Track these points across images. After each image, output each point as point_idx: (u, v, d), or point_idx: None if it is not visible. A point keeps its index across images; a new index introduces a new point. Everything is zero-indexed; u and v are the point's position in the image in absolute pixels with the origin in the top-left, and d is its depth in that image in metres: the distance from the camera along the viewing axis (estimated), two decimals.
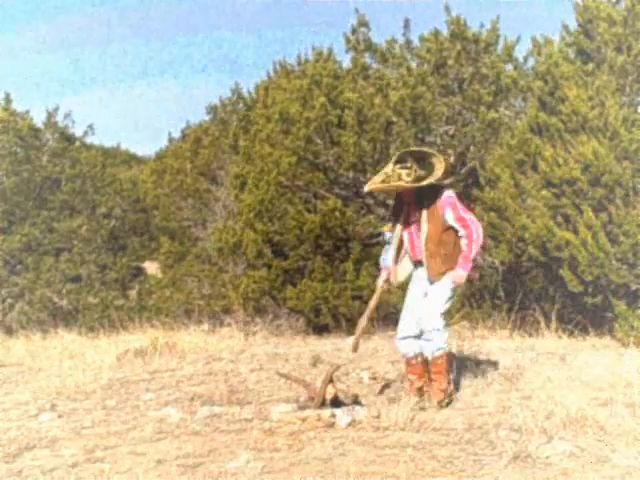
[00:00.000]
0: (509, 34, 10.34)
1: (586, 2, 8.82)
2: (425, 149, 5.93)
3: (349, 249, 9.63)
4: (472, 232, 5.24)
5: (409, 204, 5.42)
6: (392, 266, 5.51)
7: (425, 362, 5.35)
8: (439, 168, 5.37)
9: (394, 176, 5.31)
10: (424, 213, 5.33)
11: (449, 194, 5.38)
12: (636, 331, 7.07)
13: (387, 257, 5.55)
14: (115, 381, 6.47)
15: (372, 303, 5.59)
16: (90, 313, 10.81)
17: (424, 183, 5.30)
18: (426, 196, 5.34)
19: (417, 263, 5.43)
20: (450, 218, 5.29)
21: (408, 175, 5.29)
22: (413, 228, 5.40)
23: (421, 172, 5.33)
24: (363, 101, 9.71)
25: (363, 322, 5.54)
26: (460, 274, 5.26)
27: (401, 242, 5.50)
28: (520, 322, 8.30)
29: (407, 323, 5.44)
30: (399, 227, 5.47)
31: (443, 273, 5.29)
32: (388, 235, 5.57)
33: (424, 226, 5.32)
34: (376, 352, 7.43)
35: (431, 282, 5.34)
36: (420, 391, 5.35)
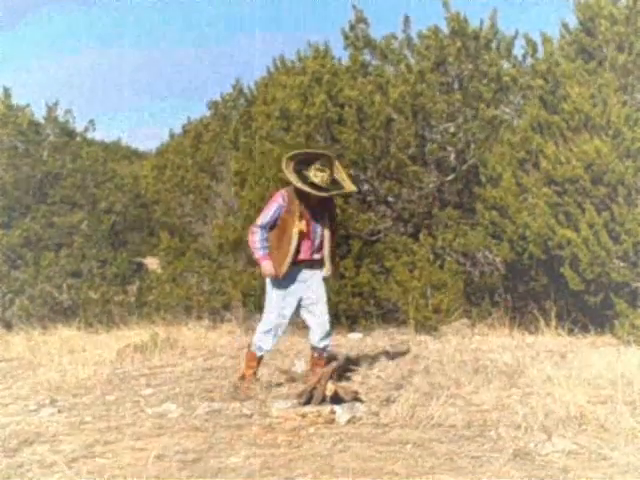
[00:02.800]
0: (508, 31, 10.30)
1: (587, 0, 8.81)
2: (317, 151, 6.14)
3: (349, 246, 9.62)
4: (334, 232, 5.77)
5: (311, 205, 5.55)
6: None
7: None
8: (340, 167, 5.73)
9: (328, 180, 5.51)
10: (325, 213, 5.65)
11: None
12: (637, 329, 7.08)
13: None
14: (115, 376, 6.47)
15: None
16: (90, 308, 10.81)
17: (355, 189, 5.96)
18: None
19: (307, 262, 5.61)
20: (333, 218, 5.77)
21: (330, 179, 5.54)
22: (312, 227, 5.58)
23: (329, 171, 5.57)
24: (363, 98, 9.70)
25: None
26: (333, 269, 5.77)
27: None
28: (520, 320, 8.31)
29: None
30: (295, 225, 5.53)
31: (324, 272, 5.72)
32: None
33: (326, 225, 5.63)
34: (376, 348, 7.43)
35: (310, 279, 5.62)
36: None
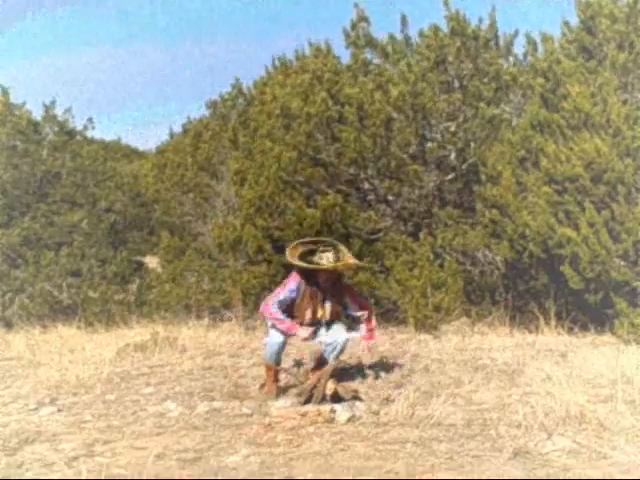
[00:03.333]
0: (508, 29, 10.32)
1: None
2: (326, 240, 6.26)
3: (349, 245, 9.61)
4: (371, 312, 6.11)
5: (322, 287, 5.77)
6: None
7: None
8: (343, 249, 5.96)
9: (334, 258, 5.76)
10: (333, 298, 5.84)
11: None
12: (636, 328, 7.08)
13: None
14: (115, 375, 6.47)
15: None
16: (90, 307, 10.78)
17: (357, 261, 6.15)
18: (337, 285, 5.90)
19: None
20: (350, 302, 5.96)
21: (334, 255, 5.81)
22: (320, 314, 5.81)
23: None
24: (363, 97, 9.69)
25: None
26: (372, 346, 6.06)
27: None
28: (520, 319, 8.31)
29: None
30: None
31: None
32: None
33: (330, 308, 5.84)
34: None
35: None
36: None
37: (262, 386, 5.77)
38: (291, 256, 5.77)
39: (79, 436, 4.72)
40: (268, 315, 5.72)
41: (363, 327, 5.97)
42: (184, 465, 4.14)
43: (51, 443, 4.60)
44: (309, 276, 5.72)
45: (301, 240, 6.14)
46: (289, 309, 5.72)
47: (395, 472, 3.92)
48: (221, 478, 3.96)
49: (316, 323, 5.80)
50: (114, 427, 4.94)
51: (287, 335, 5.69)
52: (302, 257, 5.76)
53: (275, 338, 5.71)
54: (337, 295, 5.85)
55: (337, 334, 5.82)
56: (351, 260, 5.92)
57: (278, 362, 5.81)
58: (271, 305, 5.71)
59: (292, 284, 5.74)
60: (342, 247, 5.96)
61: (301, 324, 5.73)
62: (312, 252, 5.80)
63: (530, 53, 10.03)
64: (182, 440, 4.58)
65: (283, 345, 5.76)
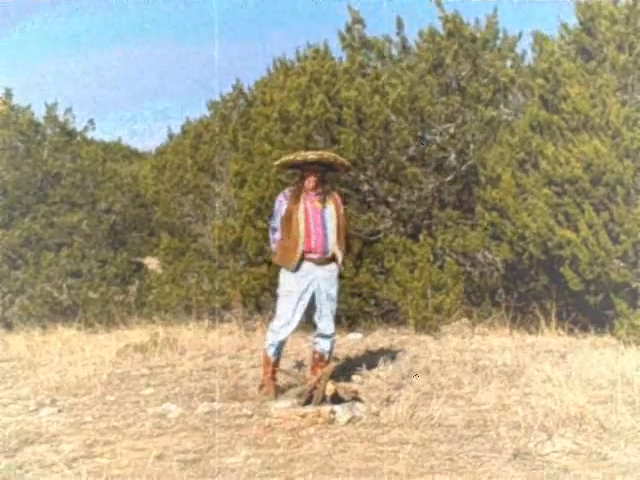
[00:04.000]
0: (506, 30, 10.31)
1: (587, 0, 8.81)
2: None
3: (349, 246, 9.61)
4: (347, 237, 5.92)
5: (310, 196, 5.63)
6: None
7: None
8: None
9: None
10: (329, 206, 5.68)
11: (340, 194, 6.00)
12: (636, 329, 7.08)
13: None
14: (115, 376, 6.47)
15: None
16: (90, 308, 10.78)
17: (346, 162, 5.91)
18: (328, 192, 5.77)
19: (319, 259, 5.62)
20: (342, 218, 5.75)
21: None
22: (315, 219, 5.62)
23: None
24: (362, 99, 9.70)
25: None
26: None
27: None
28: (520, 320, 8.31)
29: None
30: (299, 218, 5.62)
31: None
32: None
33: (333, 217, 5.66)
34: (376, 348, 7.43)
35: (323, 276, 5.62)
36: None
37: (261, 387, 5.73)
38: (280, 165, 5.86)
39: (79, 437, 4.72)
40: (270, 237, 5.84)
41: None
42: (184, 466, 4.14)
43: (51, 444, 4.60)
44: (297, 190, 5.67)
45: (287, 158, 5.92)
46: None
47: (395, 473, 3.92)
48: (221, 479, 3.96)
49: (314, 255, 5.58)
50: (114, 428, 4.94)
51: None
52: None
53: (276, 323, 5.61)
54: (334, 205, 5.68)
55: (328, 305, 5.65)
56: (339, 158, 5.82)
57: (277, 357, 5.70)
58: (270, 231, 5.81)
59: (279, 196, 5.78)
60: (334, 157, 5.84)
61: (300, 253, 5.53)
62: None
63: (531, 54, 10.04)
64: (182, 441, 4.58)
65: (285, 336, 5.62)
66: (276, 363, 5.73)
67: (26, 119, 12.56)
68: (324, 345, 5.75)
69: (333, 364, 5.47)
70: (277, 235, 5.74)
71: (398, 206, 9.92)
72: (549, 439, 4.31)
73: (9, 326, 10.55)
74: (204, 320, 9.86)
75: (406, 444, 4.35)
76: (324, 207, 5.64)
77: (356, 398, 5.20)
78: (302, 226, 5.55)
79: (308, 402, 5.09)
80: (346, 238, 5.87)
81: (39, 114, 12.94)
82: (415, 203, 9.87)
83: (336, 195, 5.85)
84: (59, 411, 5.39)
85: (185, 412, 5.25)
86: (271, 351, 5.67)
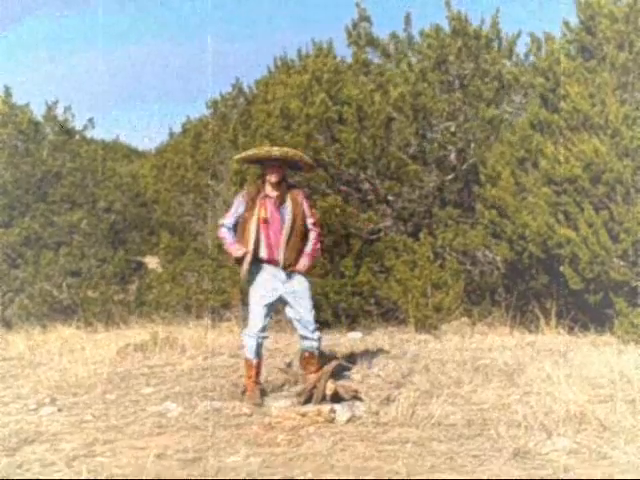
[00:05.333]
0: (509, 29, 10.34)
1: None
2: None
3: (349, 245, 9.62)
4: (319, 234, 5.72)
5: (269, 196, 5.49)
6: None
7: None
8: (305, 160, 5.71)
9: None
10: (288, 205, 5.51)
11: (302, 190, 5.80)
12: (636, 328, 7.08)
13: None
14: (115, 375, 6.47)
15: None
16: (90, 307, 10.79)
17: (291, 152, 5.60)
18: (289, 189, 5.58)
19: (275, 261, 5.51)
20: (307, 214, 5.60)
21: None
22: (272, 221, 5.48)
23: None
24: (363, 97, 9.70)
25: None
26: (309, 266, 5.60)
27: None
28: (520, 319, 8.31)
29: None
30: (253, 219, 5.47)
31: (296, 267, 5.56)
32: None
33: (289, 218, 5.49)
34: (376, 347, 7.43)
35: (288, 277, 5.49)
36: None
37: (244, 392, 5.54)
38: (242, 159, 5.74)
39: (79, 436, 4.72)
40: (219, 235, 5.70)
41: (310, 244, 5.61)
42: (184, 465, 4.14)
43: (51, 443, 4.60)
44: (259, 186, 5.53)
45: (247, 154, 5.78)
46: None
47: (395, 472, 3.92)
48: (221, 478, 3.96)
49: (272, 260, 5.47)
50: (114, 427, 4.94)
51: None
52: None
53: (253, 327, 5.52)
54: (292, 204, 5.50)
55: (301, 304, 5.53)
56: (304, 157, 5.67)
57: (259, 359, 5.58)
58: (220, 228, 5.65)
59: (238, 196, 5.65)
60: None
61: (256, 252, 5.41)
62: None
63: (533, 53, 10.04)
64: (182, 440, 4.58)
65: (262, 335, 5.54)
66: (258, 365, 5.61)
67: (25, 118, 12.56)
68: (310, 343, 5.62)
69: (334, 363, 5.46)
70: (229, 235, 5.57)
71: (399, 205, 9.93)
72: (549, 438, 4.31)
73: (9, 325, 10.55)
74: (204, 319, 9.85)
75: (406, 443, 4.35)
76: (283, 207, 5.50)
77: (356, 397, 5.20)
78: (253, 235, 5.43)
79: (308, 401, 5.09)
80: (318, 232, 5.68)
81: (38, 113, 12.96)
82: (416, 202, 9.88)
83: (296, 192, 5.62)
84: (59, 410, 5.39)
85: (185, 411, 5.25)
86: (251, 354, 5.57)
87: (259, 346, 5.57)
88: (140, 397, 5.74)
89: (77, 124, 13.32)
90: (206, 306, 10.29)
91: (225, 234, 5.61)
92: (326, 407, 4.92)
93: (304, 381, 5.58)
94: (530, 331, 7.95)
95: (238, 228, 5.56)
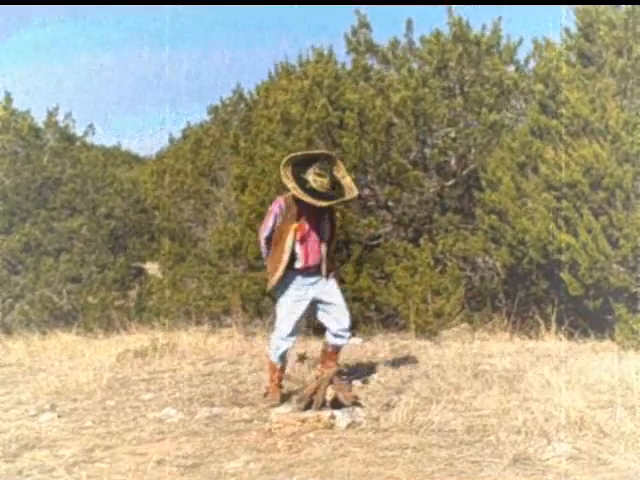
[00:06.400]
0: (510, 36, 10.36)
1: (586, 6, 8.83)
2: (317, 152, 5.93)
3: (349, 250, 9.62)
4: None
5: (309, 210, 5.44)
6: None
7: None
8: (341, 167, 5.61)
9: (328, 185, 5.40)
10: (325, 217, 5.58)
11: None
12: (636, 334, 7.08)
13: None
14: (115, 381, 6.47)
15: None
16: (90, 313, 10.79)
17: (356, 192, 5.64)
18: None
19: (310, 268, 5.53)
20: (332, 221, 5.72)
21: (330, 183, 5.42)
22: (311, 232, 5.49)
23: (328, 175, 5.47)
24: (364, 102, 9.72)
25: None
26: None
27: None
28: (520, 324, 8.31)
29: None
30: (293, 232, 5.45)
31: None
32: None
33: (326, 230, 5.57)
34: (376, 353, 7.44)
35: (318, 280, 5.55)
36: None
37: (266, 394, 5.61)
38: (284, 173, 5.39)
39: (79, 442, 4.72)
40: (260, 246, 5.70)
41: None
42: (184, 471, 4.14)
43: (51, 449, 4.60)
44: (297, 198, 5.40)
45: (296, 154, 5.65)
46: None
47: (395, 478, 3.92)
48: None
49: (310, 268, 5.49)
50: (114, 433, 4.94)
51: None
52: (295, 169, 5.40)
53: (281, 332, 5.54)
54: (324, 220, 5.56)
55: (336, 301, 5.56)
56: (348, 194, 5.51)
57: (283, 364, 5.63)
58: (261, 243, 5.66)
59: (276, 207, 5.52)
60: (341, 167, 5.58)
61: (290, 267, 5.42)
62: (307, 165, 5.40)
63: (533, 59, 10.06)
64: (182, 446, 4.58)
65: (291, 339, 5.56)
66: (282, 369, 5.66)
67: (26, 124, 12.59)
68: (339, 340, 5.63)
69: (334, 369, 5.46)
70: (266, 249, 5.61)
71: (399, 210, 9.93)
72: (549, 444, 4.31)
73: (9, 331, 10.54)
74: (204, 325, 9.86)
75: (406, 449, 4.35)
76: (321, 215, 5.54)
77: (356, 403, 5.20)
78: (288, 252, 5.43)
79: (308, 407, 5.09)
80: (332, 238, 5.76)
81: (39, 119, 12.99)
82: (416, 207, 9.88)
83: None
84: (59, 416, 5.39)
85: (185, 417, 5.25)
86: (277, 358, 5.61)
87: (285, 351, 5.59)
88: (140, 403, 5.74)
89: (78, 130, 13.36)
90: (206, 312, 10.29)
91: (264, 248, 5.65)
92: (326, 413, 4.92)
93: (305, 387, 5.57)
94: (530, 337, 7.94)
95: (274, 235, 5.53)
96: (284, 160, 5.52)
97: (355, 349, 7.77)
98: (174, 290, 11.04)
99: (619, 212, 7.49)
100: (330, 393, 5.09)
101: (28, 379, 6.74)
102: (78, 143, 13.51)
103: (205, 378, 6.52)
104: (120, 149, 28.18)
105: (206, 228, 13.33)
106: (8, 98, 12.68)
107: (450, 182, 9.93)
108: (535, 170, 8.40)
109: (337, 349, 5.69)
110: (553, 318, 7.70)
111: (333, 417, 4.89)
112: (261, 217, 9.79)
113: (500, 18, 10.22)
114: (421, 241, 9.37)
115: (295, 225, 5.44)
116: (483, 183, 9.07)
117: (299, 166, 5.44)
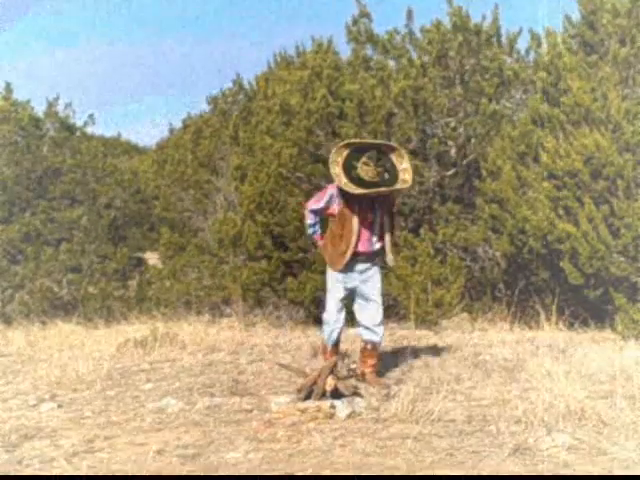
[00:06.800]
0: (510, 25, 10.33)
1: None
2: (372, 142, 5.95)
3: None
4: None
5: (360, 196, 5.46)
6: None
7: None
8: (403, 157, 5.56)
9: (375, 175, 5.41)
10: (384, 203, 5.58)
11: None
12: (636, 324, 7.07)
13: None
14: (115, 371, 6.47)
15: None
16: (90, 303, 10.79)
17: (408, 183, 5.51)
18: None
19: (366, 254, 5.59)
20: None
21: (377, 173, 5.44)
22: (370, 218, 5.53)
23: (380, 164, 5.48)
24: (364, 92, 9.68)
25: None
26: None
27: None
28: (520, 314, 8.31)
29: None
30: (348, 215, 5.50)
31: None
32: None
33: (384, 215, 5.58)
34: None
35: (366, 267, 5.61)
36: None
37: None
38: (335, 158, 5.41)
39: (79, 432, 4.72)
40: (306, 219, 5.75)
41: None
42: (184, 461, 4.14)
43: (51, 439, 4.60)
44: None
45: (354, 140, 5.74)
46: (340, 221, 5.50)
47: (395, 468, 3.92)
48: (221, 474, 3.96)
49: (366, 253, 5.54)
50: (114, 423, 4.94)
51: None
52: (350, 155, 5.42)
53: (329, 317, 5.67)
54: (382, 205, 5.55)
55: (373, 293, 5.62)
56: (399, 183, 5.43)
57: (336, 343, 5.73)
58: (306, 214, 5.72)
59: (331, 189, 5.55)
60: (401, 157, 5.49)
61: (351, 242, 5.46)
62: (361, 152, 5.42)
63: (533, 49, 10.02)
64: (182, 436, 4.58)
65: (341, 317, 5.65)
66: (333, 351, 5.74)
67: (26, 114, 12.55)
68: (372, 336, 5.71)
69: (334, 358, 5.46)
70: (315, 219, 5.67)
71: (399, 200, 9.91)
72: (549, 434, 4.31)
73: (9, 321, 10.55)
74: (204, 315, 9.86)
75: (406, 439, 4.35)
76: (377, 208, 5.58)
77: (356, 393, 5.20)
78: (354, 238, 5.49)
79: (308, 397, 5.09)
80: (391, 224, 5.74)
81: (39, 109, 12.95)
82: (416, 197, 9.86)
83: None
84: (59, 406, 5.39)
85: (185, 407, 5.25)
86: (328, 341, 5.76)
87: (337, 336, 5.75)
88: (140, 393, 5.74)
89: (78, 120, 13.32)
90: (206, 302, 10.29)
91: (308, 225, 5.74)
92: (326, 403, 4.92)
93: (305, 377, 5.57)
94: (530, 327, 7.94)
95: (336, 220, 5.56)
96: (339, 145, 5.60)
97: (355, 339, 7.77)
98: (174, 280, 11.04)
99: (620, 201, 7.47)
100: (330, 383, 5.09)
101: (28, 369, 6.74)
102: (78, 133, 13.47)
103: (205, 368, 6.52)
104: (120, 139, 28.13)
105: (206, 218, 13.32)
106: (8, 88, 12.64)
107: (450, 172, 9.91)
108: (536, 159, 8.38)
109: (373, 345, 5.73)
110: (553, 308, 7.70)
111: (333, 407, 4.89)
112: (261, 207, 9.83)
113: (496, 5, 10.15)
114: (421, 231, 9.36)
115: (360, 213, 5.48)
116: (483, 172, 9.05)
117: (356, 152, 5.48)
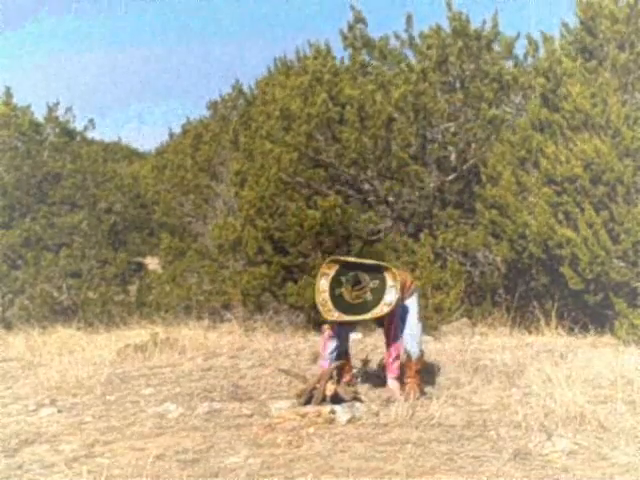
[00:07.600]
0: (509, 30, 10.35)
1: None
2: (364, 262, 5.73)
3: (349, 246, 9.61)
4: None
5: None
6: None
7: None
8: (394, 278, 5.34)
9: (356, 297, 5.29)
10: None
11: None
12: (636, 329, 7.08)
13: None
14: (115, 376, 6.47)
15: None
16: (90, 308, 10.80)
17: (393, 305, 5.32)
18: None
19: None
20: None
21: (357, 296, 5.30)
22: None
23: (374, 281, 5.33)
24: (364, 97, 9.70)
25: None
26: None
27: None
28: (520, 319, 8.31)
29: None
30: None
31: None
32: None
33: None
34: (376, 348, 7.43)
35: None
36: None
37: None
38: (323, 271, 5.36)
39: (79, 437, 4.72)
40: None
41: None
42: (184, 466, 4.14)
43: (51, 444, 4.59)
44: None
45: (340, 258, 5.58)
46: None
47: (395, 473, 3.92)
48: (221, 479, 3.95)
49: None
50: (114, 428, 4.93)
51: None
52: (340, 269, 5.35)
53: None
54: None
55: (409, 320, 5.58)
56: (369, 314, 5.35)
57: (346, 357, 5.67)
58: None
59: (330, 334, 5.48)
60: (392, 276, 5.34)
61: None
62: (347, 273, 5.32)
63: (530, 54, 10.05)
64: (182, 441, 4.58)
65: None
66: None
67: (26, 119, 12.57)
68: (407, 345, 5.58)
69: (334, 364, 5.46)
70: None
71: (399, 205, 9.93)
72: (549, 439, 4.31)
73: (9, 326, 10.55)
74: (204, 320, 9.85)
75: (406, 444, 4.35)
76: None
77: (356, 398, 5.20)
78: None
79: (308, 402, 5.09)
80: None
81: (39, 114, 12.97)
82: (416, 202, 9.88)
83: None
84: (59, 411, 5.39)
85: (185, 412, 5.25)
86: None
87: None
88: (140, 398, 5.73)
89: (78, 125, 13.35)
90: (206, 307, 10.29)
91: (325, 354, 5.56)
92: (326, 408, 4.92)
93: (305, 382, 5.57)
94: (530, 332, 7.94)
95: None
96: (327, 260, 5.52)
97: (355, 344, 7.77)
98: (174, 285, 11.04)
99: (620, 207, 7.48)
100: (330, 388, 5.09)
101: (28, 374, 6.74)
102: (78, 138, 13.50)
103: (205, 373, 6.52)
104: (120, 144, 28.15)
105: (206, 223, 13.33)
106: (9, 93, 12.67)
107: (450, 177, 9.92)
108: (536, 164, 8.39)
109: (409, 355, 5.56)
110: (553, 313, 7.70)
111: (333, 412, 4.89)
112: (261, 212, 9.83)
113: (497, 10, 10.17)
114: (421, 236, 9.37)
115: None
116: (483, 178, 9.06)
117: (346, 269, 5.38)
